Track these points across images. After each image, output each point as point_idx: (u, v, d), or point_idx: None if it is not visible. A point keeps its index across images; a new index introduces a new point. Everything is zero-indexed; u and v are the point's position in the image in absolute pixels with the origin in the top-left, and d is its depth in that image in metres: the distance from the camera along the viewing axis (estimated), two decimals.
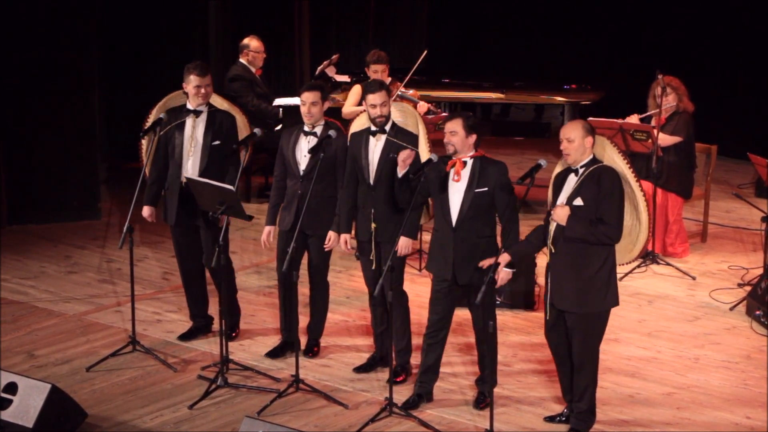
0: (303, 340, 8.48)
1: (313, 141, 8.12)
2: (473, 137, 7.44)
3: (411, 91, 10.77)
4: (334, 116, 10.78)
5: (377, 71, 10.36)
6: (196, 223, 8.48)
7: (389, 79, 10.53)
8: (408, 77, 10.73)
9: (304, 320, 8.54)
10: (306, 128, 8.17)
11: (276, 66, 13.41)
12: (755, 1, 13.23)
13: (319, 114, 8.11)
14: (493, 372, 7.58)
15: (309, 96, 8.08)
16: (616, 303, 7.18)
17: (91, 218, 11.61)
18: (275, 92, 11.91)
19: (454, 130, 7.41)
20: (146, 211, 8.60)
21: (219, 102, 8.67)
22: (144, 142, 8.67)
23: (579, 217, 6.96)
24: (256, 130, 8.26)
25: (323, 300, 8.45)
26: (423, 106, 10.54)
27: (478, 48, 15.34)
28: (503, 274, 7.35)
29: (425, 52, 11.09)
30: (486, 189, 7.39)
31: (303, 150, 8.14)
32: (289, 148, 8.18)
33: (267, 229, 8.30)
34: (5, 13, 11.07)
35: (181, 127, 8.39)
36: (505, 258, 7.20)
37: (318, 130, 8.15)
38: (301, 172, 8.13)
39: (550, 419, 7.50)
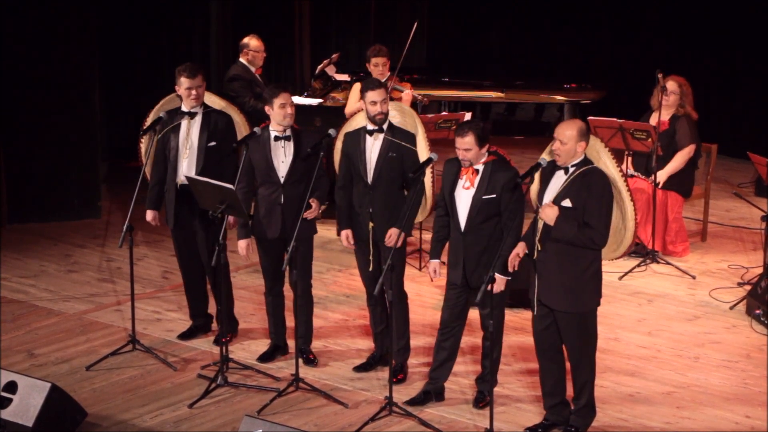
0: (292, 345, 8.49)
1: (288, 146, 8.04)
2: (485, 147, 7.41)
3: (403, 84, 10.79)
4: (334, 115, 10.83)
5: (378, 64, 10.36)
6: (193, 224, 8.48)
7: (389, 73, 10.53)
8: (399, 64, 10.69)
9: (290, 321, 8.51)
10: (276, 133, 8.04)
11: (276, 65, 13.41)
12: (755, 1, 13.23)
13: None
14: (494, 371, 7.58)
15: (289, 97, 7.97)
16: (600, 297, 7.19)
17: (91, 217, 11.62)
18: None
19: (468, 147, 7.33)
20: (149, 215, 8.57)
21: (216, 101, 8.64)
22: (143, 143, 8.67)
23: (567, 218, 6.94)
24: (256, 129, 8.25)
25: (309, 306, 8.34)
26: (408, 94, 10.51)
27: (478, 47, 15.35)
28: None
29: (416, 24, 11.10)
30: (494, 196, 7.38)
31: (279, 156, 8.06)
32: (263, 157, 8.02)
33: (245, 242, 8.11)
34: (5, 13, 11.08)
35: (177, 129, 8.38)
36: (521, 246, 7.15)
37: (288, 133, 8.07)
38: (282, 179, 8.07)
39: (531, 430, 7.44)
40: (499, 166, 7.42)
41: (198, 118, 8.38)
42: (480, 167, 7.41)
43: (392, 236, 7.76)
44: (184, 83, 8.31)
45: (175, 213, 8.46)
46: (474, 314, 7.88)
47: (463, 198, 7.45)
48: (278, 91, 7.97)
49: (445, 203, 7.54)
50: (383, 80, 10.34)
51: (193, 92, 8.32)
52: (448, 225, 7.58)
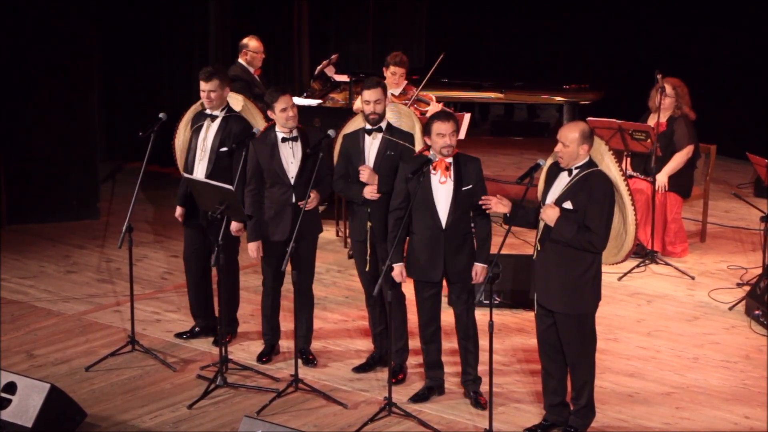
0: (285, 345, 8.51)
1: (296, 146, 8.04)
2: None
3: (426, 94, 10.77)
4: (333, 116, 10.82)
5: (395, 73, 10.32)
6: (203, 224, 8.48)
7: (405, 82, 10.51)
8: (424, 81, 10.68)
9: (288, 321, 8.53)
10: (283, 134, 8.05)
11: (275, 66, 13.41)
12: (755, 1, 13.23)
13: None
14: (476, 366, 7.65)
15: (289, 99, 8.01)
16: (599, 300, 7.19)
17: (91, 218, 11.62)
18: None
19: (453, 131, 7.41)
20: (178, 210, 8.61)
21: (240, 103, 8.60)
22: (176, 143, 8.68)
23: (567, 220, 6.95)
24: (255, 130, 8.25)
25: (310, 305, 8.36)
26: (437, 106, 10.52)
27: (478, 47, 15.35)
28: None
29: (442, 55, 11.07)
30: (471, 186, 7.46)
31: (288, 157, 8.08)
32: (273, 159, 8.03)
33: (255, 245, 8.12)
34: (5, 13, 11.08)
35: (199, 131, 8.43)
36: (506, 207, 7.10)
37: (294, 134, 8.09)
38: (292, 180, 8.08)
39: (530, 431, 7.44)
40: (465, 157, 7.53)
41: (217, 122, 8.40)
42: (450, 160, 7.46)
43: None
44: (201, 86, 8.37)
45: (189, 211, 8.48)
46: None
47: (442, 193, 7.46)
48: (278, 96, 7.97)
49: (407, 203, 7.47)
50: (398, 90, 10.34)
51: (206, 95, 8.35)
52: (407, 227, 7.55)
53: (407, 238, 7.65)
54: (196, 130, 8.47)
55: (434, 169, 7.44)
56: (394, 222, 7.57)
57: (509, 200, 7.16)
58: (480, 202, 7.22)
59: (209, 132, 8.42)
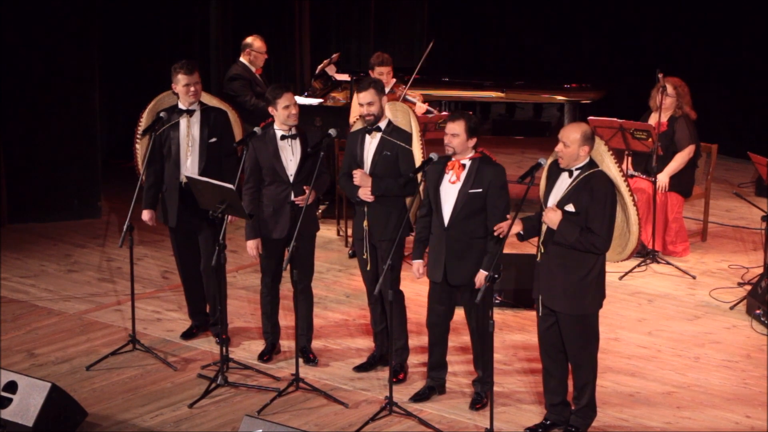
0: (286, 344, 8.51)
1: (295, 144, 8.06)
2: (473, 140, 7.43)
3: (413, 93, 10.77)
4: (334, 115, 10.83)
5: (381, 73, 10.33)
6: (195, 223, 8.47)
7: (393, 80, 10.51)
8: (412, 77, 10.70)
9: (288, 320, 8.52)
10: (282, 132, 8.07)
11: (276, 65, 13.42)
12: (755, 1, 13.23)
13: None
14: (490, 373, 7.57)
15: (292, 97, 8.02)
16: (603, 299, 7.19)
17: (91, 217, 11.62)
18: None
19: (456, 132, 7.38)
20: (146, 215, 8.57)
21: (207, 99, 8.63)
22: (138, 145, 8.66)
23: (570, 223, 6.94)
24: (257, 129, 8.25)
25: (309, 303, 8.35)
26: (422, 107, 10.54)
27: (478, 47, 15.35)
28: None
29: (432, 42, 11.08)
30: (480, 190, 7.40)
31: (287, 155, 8.09)
32: (271, 156, 8.06)
33: (254, 242, 8.13)
34: (6, 13, 11.08)
35: (176, 127, 8.37)
36: (517, 226, 7.14)
37: (294, 131, 8.10)
38: (291, 177, 8.09)
39: (531, 430, 7.44)
40: (486, 162, 7.47)
41: (197, 115, 8.38)
42: (467, 162, 7.44)
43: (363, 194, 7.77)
44: (182, 80, 8.30)
45: (178, 212, 8.46)
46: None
47: (449, 192, 7.46)
48: (281, 92, 7.99)
49: (429, 201, 7.55)
50: (386, 89, 10.34)
51: (192, 88, 8.31)
52: (430, 226, 7.60)
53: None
54: (170, 128, 8.36)
55: (448, 169, 7.46)
56: (417, 221, 7.70)
57: (519, 219, 7.15)
58: (495, 233, 7.21)
59: (193, 126, 8.37)
